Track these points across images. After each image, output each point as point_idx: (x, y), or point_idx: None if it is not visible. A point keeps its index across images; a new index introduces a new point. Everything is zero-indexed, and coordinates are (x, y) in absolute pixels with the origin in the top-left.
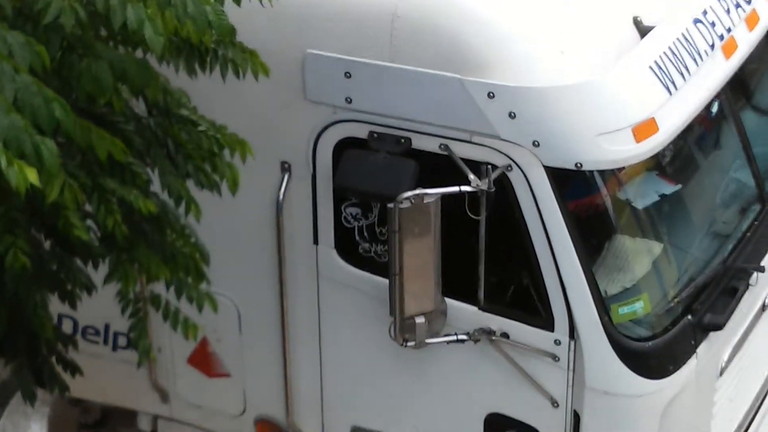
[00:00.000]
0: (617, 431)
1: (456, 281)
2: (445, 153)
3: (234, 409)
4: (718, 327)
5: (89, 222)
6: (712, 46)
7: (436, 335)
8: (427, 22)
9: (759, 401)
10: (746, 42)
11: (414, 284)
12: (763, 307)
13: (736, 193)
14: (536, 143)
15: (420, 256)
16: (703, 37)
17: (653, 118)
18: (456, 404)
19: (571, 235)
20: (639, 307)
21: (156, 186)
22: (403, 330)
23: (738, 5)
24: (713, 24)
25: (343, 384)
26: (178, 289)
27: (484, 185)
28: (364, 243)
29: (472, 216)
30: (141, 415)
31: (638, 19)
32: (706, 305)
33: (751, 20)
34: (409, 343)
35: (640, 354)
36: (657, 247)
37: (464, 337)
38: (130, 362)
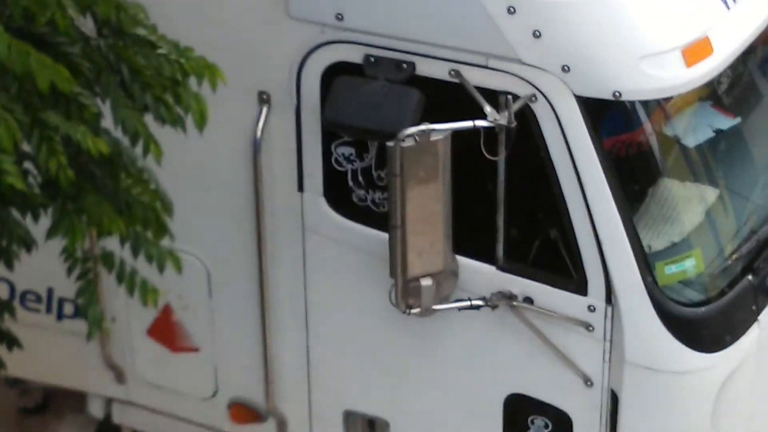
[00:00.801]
0: (664, 415)
1: (469, 235)
2: (456, 81)
3: (203, 391)
4: None
5: (28, 165)
6: None
7: (446, 301)
8: None
9: None
10: None
11: (419, 239)
12: None
13: None
14: (565, 68)
15: (426, 205)
16: None
17: (707, 37)
18: (470, 384)
19: (607, 178)
20: (689, 265)
21: (108, 121)
22: (407, 294)
23: None
24: None
25: (334, 360)
26: (134, 246)
27: (503, 119)
28: (358, 190)
29: (489, 157)
30: (91, 398)
31: None
32: None
33: None
34: (414, 311)
35: (690, 322)
36: (711, 194)
37: (479, 302)
38: (79, 334)
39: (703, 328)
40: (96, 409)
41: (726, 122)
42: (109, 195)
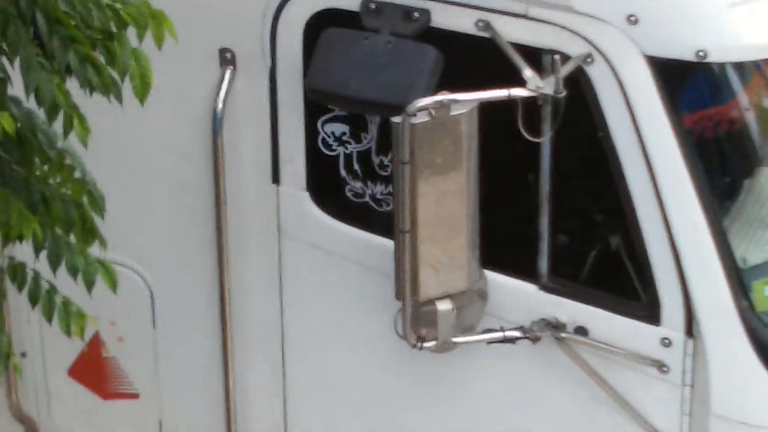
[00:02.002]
0: None
1: (503, 244)
2: (485, 35)
3: None
4: None
5: None
6: None
7: (471, 331)
8: None
9: None
10: None
11: (435, 249)
12: None
13: None
14: (632, 19)
15: (444, 202)
16: None
17: None
18: None
19: (688, 167)
20: None
21: (17, 88)
22: (418, 323)
23: None
24: None
25: (320, 413)
26: (53, 255)
27: (547, 87)
28: (354, 181)
29: (529, 137)
30: None
31: None
32: None
33: None
34: (428, 344)
35: None
36: None
37: (516, 333)
38: None
39: None
40: None
41: None
42: (19, 186)
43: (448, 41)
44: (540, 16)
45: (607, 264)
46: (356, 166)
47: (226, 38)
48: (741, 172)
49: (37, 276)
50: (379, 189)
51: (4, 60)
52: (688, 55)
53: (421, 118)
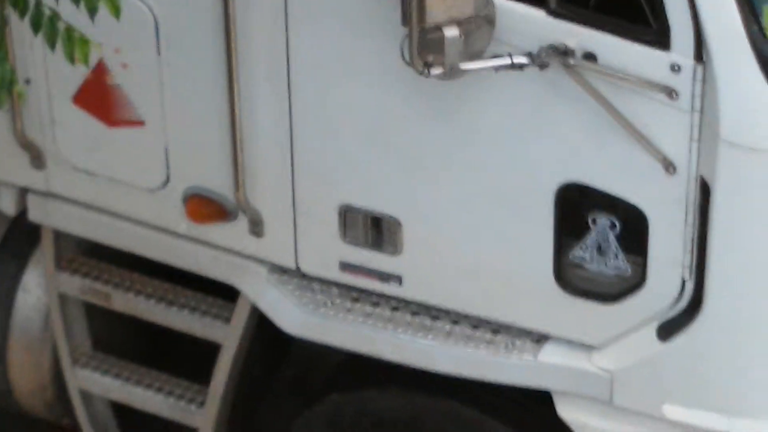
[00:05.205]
0: None
1: None
2: None
3: (150, 179)
4: None
5: None
6: None
7: (478, 57)
8: None
9: None
10: None
11: None
12: None
13: None
14: None
15: None
16: None
17: None
18: (510, 171)
19: None
20: None
21: None
22: (425, 48)
23: None
24: None
25: (327, 139)
26: None
27: None
28: None
29: None
30: (1, 189)
31: None
32: None
33: None
34: (435, 71)
35: None
36: None
37: (524, 60)
38: None
39: None
40: (7, 204)
41: None
42: None
43: None
44: None
45: None
46: None
47: None
48: None
49: (39, 2)
50: None
51: None
52: None
53: None
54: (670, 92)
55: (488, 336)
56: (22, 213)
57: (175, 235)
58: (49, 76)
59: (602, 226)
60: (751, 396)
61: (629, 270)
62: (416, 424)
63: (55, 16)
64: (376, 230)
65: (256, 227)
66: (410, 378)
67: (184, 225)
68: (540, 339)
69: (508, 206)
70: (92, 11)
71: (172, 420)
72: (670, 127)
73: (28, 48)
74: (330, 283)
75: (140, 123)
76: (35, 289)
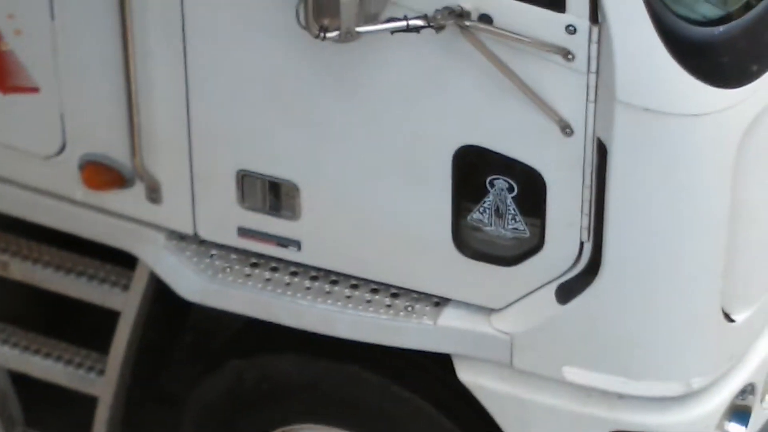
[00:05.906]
0: (668, 171)
1: None
2: None
3: (46, 146)
4: None
5: None
6: None
7: (374, 20)
8: None
9: None
10: None
11: None
12: None
13: None
14: None
15: None
16: None
17: None
18: (406, 134)
19: None
20: None
21: None
22: (320, 12)
23: None
24: None
25: (223, 105)
26: None
27: None
28: None
29: None
30: None
31: None
32: None
33: None
34: (330, 34)
35: (705, 46)
36: None
37: (420, 22)
38: None
39: (723, 54)
40: None
41: None
42: None
43: None
44: None
45: None
46: None
47: None
48: None
49: None
50: None
51: None
52: None
53: None
54: (566, 54)
55: (387, 300)
56: None
57: (72, 203)
58: None
59: (500, 188)
60: (648, 358)
61: (527, 232)
62: (317, 389)
63: None
64: (274, 195)
65: (154, 194)
66: (311, 343)
67: (80, 192)
68: (439, 303)
69: (405, 170)
70: None
71: (71, 389)
72: (567, 89)
73: None
74: (228, 249)
75: (35, 89)
76: None
